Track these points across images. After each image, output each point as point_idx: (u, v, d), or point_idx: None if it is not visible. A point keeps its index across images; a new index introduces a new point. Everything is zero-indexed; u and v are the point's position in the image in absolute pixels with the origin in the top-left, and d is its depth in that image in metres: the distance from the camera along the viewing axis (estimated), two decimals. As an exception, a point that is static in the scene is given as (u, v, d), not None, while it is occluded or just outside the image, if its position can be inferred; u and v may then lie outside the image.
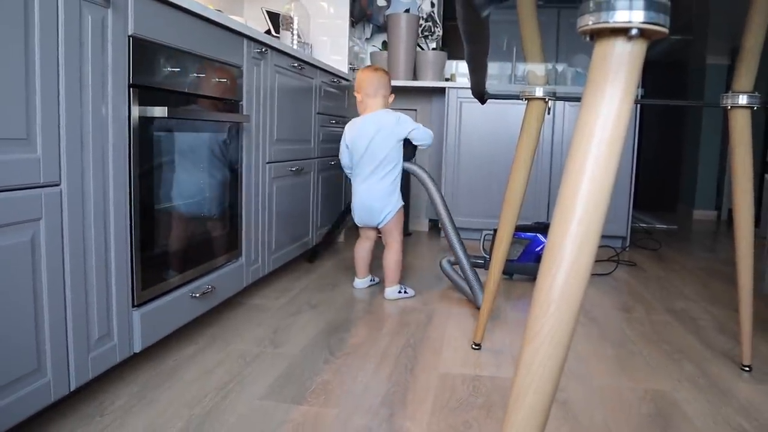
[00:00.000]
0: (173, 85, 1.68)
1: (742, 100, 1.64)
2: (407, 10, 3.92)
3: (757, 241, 2.26)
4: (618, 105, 0.63)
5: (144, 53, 1.53)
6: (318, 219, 3.14)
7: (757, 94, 1.64)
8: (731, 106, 1.65)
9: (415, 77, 4.05)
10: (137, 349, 1.56)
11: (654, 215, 5.69)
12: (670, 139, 6.45)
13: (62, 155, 1.25)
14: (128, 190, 1.49)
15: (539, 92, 1.66)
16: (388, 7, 4.08)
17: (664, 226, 4.87)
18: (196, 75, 1.80)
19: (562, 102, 3.82)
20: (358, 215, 2.58)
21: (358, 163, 2.52)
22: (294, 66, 2.65)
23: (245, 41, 2.14)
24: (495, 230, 3.01)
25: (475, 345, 1.93)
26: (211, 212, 1.98)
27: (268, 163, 2.41)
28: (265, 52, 2.30)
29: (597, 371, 1.80)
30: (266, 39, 2.28)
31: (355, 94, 2.59)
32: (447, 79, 4.32)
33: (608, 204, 0.64)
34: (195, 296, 1.83)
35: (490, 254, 2.95)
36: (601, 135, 0.64)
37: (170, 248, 1.73)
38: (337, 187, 3.51)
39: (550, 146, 3.84)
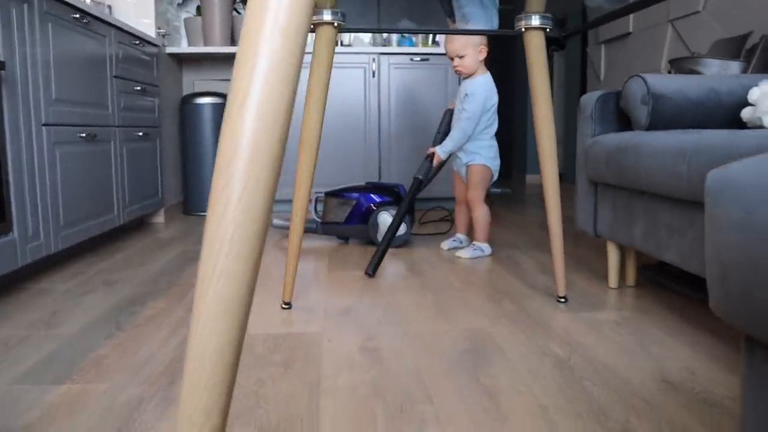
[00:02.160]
0: None
1: (535, 21, 1.59)
2: (220, -28, 3.66)
3: (570, 185, 2.28)
4: None
5: None
6: (126, 195, 2.82)
7: (549, 15, 1.60)
8: (525, 28, 1.61)
9: (233, 43, 3.80)
10: None
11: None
12: (503, 110, 6.68)
13: None
14: None
15: (327, 16, 1.52)
16: (200, -31, 3.79)
17: (498, 190, 4.99)
18: None
19: (388, 64, 3.76)
20: None
21: None
22: (76, 17, 2.33)
23: (-4, -23, 1.82)
24: (325, 192, 2.88)
25: (285, 304, 1.77)
26: (-40, 177, 1.65)
27: (45, 125, 2.08)
28: (28, -6, 1.98)
29: (414, 319, 1.70)
30: (27, -22, 1.96)
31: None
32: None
33: (291, 111, 0.49)
34: (-64, 275, 1.51)
35: (323, 217, 2.81)
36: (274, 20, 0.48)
37: None
38: (150, 161, 3.20)
39: (377, 109, 3.77)
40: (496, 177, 2.65)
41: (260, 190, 0.47)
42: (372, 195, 2.71)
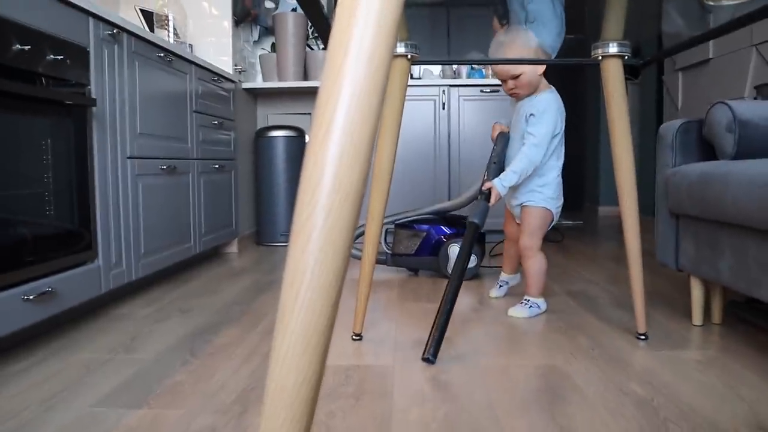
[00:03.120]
0: (-17, 54, 1.45)
1: (613, 48, 1.56)
2: (294, 9, 3.78)
3: (643, 218, 2.20)
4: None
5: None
6: (202, 225, 2.91)
7: (627, 42, 1.56)
8: (602, 56, 1.57)
9: (305, 78, 3.90)
10: (-62, 360, 1.30)
11: (561, 213, 5.73)
12: (574, 139, 6.55)
13: None
14: None
15: (401, 48, 1.53)
16: (276, 8, 3.93)
17: (569, 222, 4.88)
18: (19, 47, 1.57)
19: (458, 96, 3.76)
20: None
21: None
22: (160, 56, 2.44)
23: (91, 19, 1.93)
24: (395, 223, 2.88)
25: (356, 336, 1.76)
26: (53, 208, 1.74)
27: (129, 158, 2.18)
28: (118, 34, 2.09)
29: (485, 351, 1.66)
30: (117, 20, 2.07)
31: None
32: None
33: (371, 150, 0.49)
34: (28, 299, 1.58)
35: (393, 249, 2.81)
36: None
37: (-11, 244, 1.48)
38: (225, 192, 3.29)
39: (447, 141, 3.77)
40: (556, 220, 2.18)
41: (343, 221, 0.46)
42: (442, 227, 2.70)
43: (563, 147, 2.12)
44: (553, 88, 2.12)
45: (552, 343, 1.74)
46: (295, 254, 0.46)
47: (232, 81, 3.45)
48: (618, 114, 1.62)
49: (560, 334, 1.83)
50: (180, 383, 1.43)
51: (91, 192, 1.94)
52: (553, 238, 3.92)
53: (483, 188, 2.01)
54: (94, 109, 1.94)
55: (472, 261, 2.62)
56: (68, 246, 1.82)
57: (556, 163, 2.11)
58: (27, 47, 1.61)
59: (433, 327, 1.62)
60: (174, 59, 2.59)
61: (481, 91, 3.77)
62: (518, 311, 2.06)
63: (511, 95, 2.12)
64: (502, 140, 2.17)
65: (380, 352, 1.66)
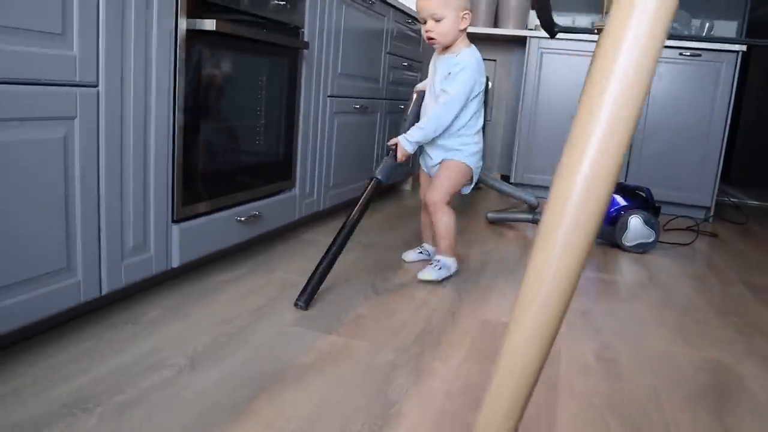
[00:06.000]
0: (226, 0, 1.63)
1: None
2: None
3: None
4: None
5: (196, -38, 1.48)
6: (381, 162, 3.07)
7: None
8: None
9: (496, 24, 3.86)
10: (175, 263, 1.56)
11: (747, 192, 5.30)
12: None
13: (101, 58, 1.23)
14: (171, 102, 1.46)
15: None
16: (474, -51, 3.89)
17: (756, 203, 4.52)
18: (254, -6, 1.75)
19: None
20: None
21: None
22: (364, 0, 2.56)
23: (310, -35, 2.07)
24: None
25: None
26: (263, 139, 1.95)
27: (329, 96, 2.35)
28: (332, -21, 2.22)
29: (653, 335, 1.67)
30: (334, -34, 2.20)
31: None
32: (530, 30, 4.10)
33: (626, 151, 0.54)
34: (240, 220, 1.81)
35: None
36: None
37: (215, 168, 1.71)
38: (405, 133, 3.42)
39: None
40: (473, 184, 2.07)
41: (602, 184, 0.53)
42: (616, 198, 2.64)
43: (483, 109, 2.01)
44: (473, 46, 1.98)
45: (723, 338, 1.70)
46: (555, 210, 0.54)
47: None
48: None
49: (734, 331, 1.77)
50: (363, 316, 1.60)
51: (295, 127, 2.13)
52: (736, 219, 3.67)
53: (389, 144, 1.98)
54: (305, 51, 2.11)
55: (651, 236, 2.56)
56: (273, 175, 2.03)
57: (477, 123, 1.99)
58: (261, -6, 1.77)
59: (313, 274, 1.66)
60: (375, 2, 2.70)
61: (680, 54, 3.53)
62: (427, 274, 1.94)
63: (427, 39, 1.95)
64: (418, 97, 2.08)
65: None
